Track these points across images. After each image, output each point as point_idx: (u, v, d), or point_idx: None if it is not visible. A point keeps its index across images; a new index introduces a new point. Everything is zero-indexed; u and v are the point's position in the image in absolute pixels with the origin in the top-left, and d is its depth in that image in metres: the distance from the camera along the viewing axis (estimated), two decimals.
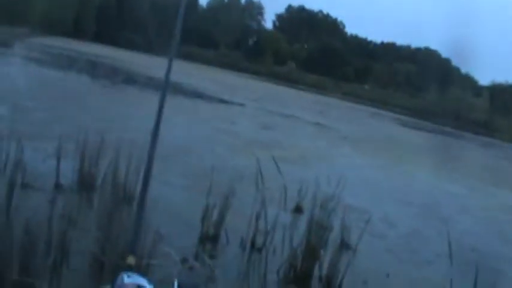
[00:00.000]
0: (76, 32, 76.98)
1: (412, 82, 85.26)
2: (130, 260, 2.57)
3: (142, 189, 2.77)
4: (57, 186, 6.54)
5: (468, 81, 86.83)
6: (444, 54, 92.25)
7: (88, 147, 6.84)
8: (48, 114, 11.78)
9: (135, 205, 5.99)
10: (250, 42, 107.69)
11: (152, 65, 45.34)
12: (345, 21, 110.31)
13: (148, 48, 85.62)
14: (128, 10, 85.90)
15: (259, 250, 5.94)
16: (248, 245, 6.00)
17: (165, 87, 2.92)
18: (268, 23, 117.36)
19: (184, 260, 5.05)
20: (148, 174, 2.75)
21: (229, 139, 14.04)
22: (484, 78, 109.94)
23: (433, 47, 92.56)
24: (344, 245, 6.45)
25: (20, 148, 6.17)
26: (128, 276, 2.30)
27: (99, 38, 79.24)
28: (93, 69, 30.38)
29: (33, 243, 3.88)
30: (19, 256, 3.83)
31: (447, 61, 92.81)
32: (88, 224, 5.31)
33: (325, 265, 5.42)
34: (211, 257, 5.53)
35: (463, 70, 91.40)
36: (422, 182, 14.75)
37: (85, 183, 6.76)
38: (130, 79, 28.47)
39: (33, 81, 18.59)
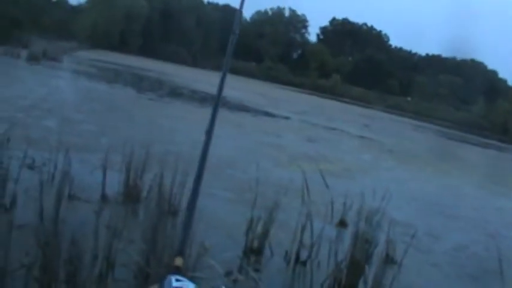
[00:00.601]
0: (122, 45, 78.37)
1: (457, 94, 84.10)
2: (179, 261, 2.56)
3: (194, 187, 2.75)
4: (104, 197, 6.62)
5: None
6: (490, 65, 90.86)
7: (134, 159, 6.92)
8: (95, 126, 11.96)
9: (180, 217, 6.03)
10: (295, 55, 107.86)
11: (196, 78, 45.79)
12: (389, 34, 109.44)
13: (192, 61, 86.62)
14: (173, 24, 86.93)
15: (304, 263, 5.90)
16: (292, 258, 5.97)
17: (217, 103, 2.92)
18: (312, 35, 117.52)
19: (228, 273, 5.05)
20: (200, 176, 2.75)
21: (274, 152, 14.04)
22: None
23: (478, 59, 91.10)
24: (389, 260, 6.36)
25: (67, 160, 6.26)
26: (177, 280, 2.28)
27: (144, 51, 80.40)
28: (139, 82, 30.77)
29: (79, 254, 3.92)
30: (66, 267, 3.88)
31: (493, 73, 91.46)
32: (133, 236, 5.35)
33: (370, 279, 5.34)
34: (256, 270, 5.51)
35: (510, 82, 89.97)
36: (469, 195, 14.52)
37: (131, 195, 6.82)
38: (175, 92, 28.74)
39: (81, 94, 18.92)
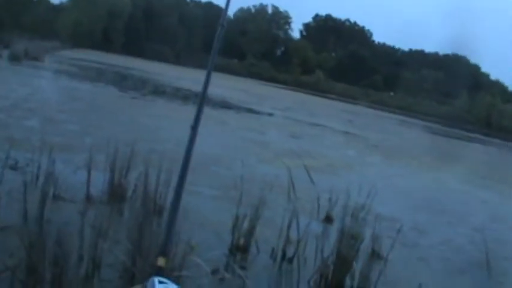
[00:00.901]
0: (105, 44, 78.06)
1: (441, 89, 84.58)
2: (161, 261, 2.54)
3: (178, 186, 2.74)
4: (88, 197, 6.58)
5: (498, 87, 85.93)
6: (473, 60, 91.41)
7: (118, 158, 6.88)
8: (78, 126, 11.89)
9: (165, 216, 6.01)
10: (278, 51, 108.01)
11: (180, 76, 45.70)
12: (372, 30, 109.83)
13: (175, 59, 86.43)
14: (155, 22, 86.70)
15: (290, 260, 5.90)
16: (279, 255, 5.97)
17: (201, 101, 2.91)
18: (295, 32, 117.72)
19: (215, 271, 5.04)
20: (184, 173, 2.73)
21: (258, 149, 14.04)
22: None
23: (461, 53, 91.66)
24: (375, 255, 6.38)
25: (51, 160, 6.22)
26: (160, 282, 2.26)
27: (127, 50, 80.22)
28: (122, 80, 30.66)
29: (65, 255, 3.90)
30: (51, 267, 3.85)
31: (476, 67, 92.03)
32: (119, 236, 5.32)
33: (357, 275, 5.36)
34: (242, 267, 5.50)
35: (493, 76, 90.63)
36: (453, 189, 14.60)
37: (115, 195, 6.79)
38: (158, 90, 28.66)
39: (63, 93, 18.81)
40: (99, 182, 6.80)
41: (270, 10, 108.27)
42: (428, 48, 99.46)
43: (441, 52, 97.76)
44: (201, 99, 2.87)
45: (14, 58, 28.27)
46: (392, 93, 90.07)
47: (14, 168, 7.19)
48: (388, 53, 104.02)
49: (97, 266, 4.52)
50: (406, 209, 10.28)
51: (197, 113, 2.81)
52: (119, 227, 5.68)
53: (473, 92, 74.84)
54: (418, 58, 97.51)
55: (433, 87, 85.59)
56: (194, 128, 2.77)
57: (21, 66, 26.26)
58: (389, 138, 29.09)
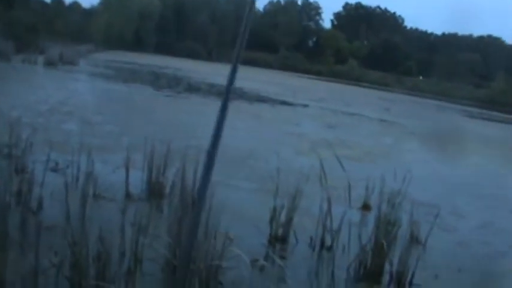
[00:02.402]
0: (137, 45, 78.70)
1: (477, 72, 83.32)
2: None
3: (202, 186, 2.81)
4: (128, 195, 6.71)
5: None
6: (508, 40, 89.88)
7: (155, 156, 7.00)
8: (115, 126, 12.08)
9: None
10: (310, 43, 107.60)
11: (213, 72, 45.87)
12: (404, 15, 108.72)
13: (208, 56, 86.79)
14: (186, 20, 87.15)
15: (329, 249, 5.95)
16: (317, 244, 6.01)
17: (227, 95, 2.97)
18: (327, 22, 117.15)
19: (254, 261, 5.10)
20: (209, 170, 2.80)
21: (294, 140, 14.07)
22: None
23: (496, 34, 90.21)
24: (414, 240, 6.37)
25: (90, 161, 6.36)
26: None
27: (159, 49, 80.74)
28: (156, 80, 30.91)
29: (107, 251, 4.01)
30: (95, 263, 3.97)
31: None
32: (159, 231, 5.43)
33: (395, 261, 5.37)
34: (281, 257, 5.56)
35: None
36: (492, 173, 14.44)
37: (154, 192, 6.91)
38: (192, 87, 28.83)
39: (99, 95, 19.09)
40: (137, 180, 6.93)
41: (299, 1, 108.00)
42: (462, 31, 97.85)
43: (475, 34, 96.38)
44: (226, 95, 2.93)
45: (50, 63, 28.75)
46: (421, 77, 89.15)
47: (54, 170, 7.37)
48: (421, 38, 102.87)
49: (139, 260, 4.63)
50: (444, 194, 10.22)
51: (222, 106, 2.86)
52: (158, 223, 5.79)
53: (510, 74, 73.58)
54: (452, 42, 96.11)
55: (469, 71, 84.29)
56: (219, 124, 2.82)
57: (57, 71, 26.70)
58: (426, 124, 28.80)
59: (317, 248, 5.97)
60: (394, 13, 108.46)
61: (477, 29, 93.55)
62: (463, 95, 72.43)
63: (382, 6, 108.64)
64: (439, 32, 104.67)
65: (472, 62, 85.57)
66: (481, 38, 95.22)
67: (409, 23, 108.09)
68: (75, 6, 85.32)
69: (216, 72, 45.54)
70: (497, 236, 7.91)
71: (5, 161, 7.15)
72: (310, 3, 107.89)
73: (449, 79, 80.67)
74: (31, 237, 4.81)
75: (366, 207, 7.79)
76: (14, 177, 6.03)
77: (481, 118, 41.13)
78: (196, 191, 2.87)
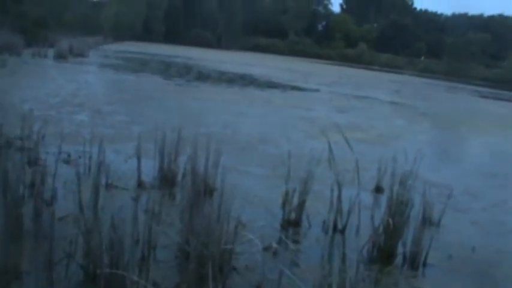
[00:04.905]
0: (146, 34, 78.88)
1: (488, 52, 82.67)
2: None
3: None
4: (140, 184, 6.74)
5: None
6: None
7: (167, 144, 7.02)
8: (126, 116, 12.10)
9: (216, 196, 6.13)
10: (319, 27, 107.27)
11: (222, 59, 45.84)
12: None
13: (217, 43, 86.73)
14: (194, 8, 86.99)
15: (342, 231, 5.95)
16: (330, 227, 6.01)
17: None
18: (335, 6, 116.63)
19: (267, 246, 5.12)
20: None
21: (305, 125, 14.06)
22: None
23: (507, 13, 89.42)
24: (427, 221, 6.36)
25: (102, 151, 6.38)
26: None
27: (169, 38, 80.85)
28: (166, 69, 30.92)
29: (121, 239, 4.03)
30: (109, 251, 3.99)
31: None
32: (172, 218, 5.46)
33: (409, 242, 5.36)
34: (295, 241, 5.57)
35: None
36: (505, 153, 14.36)
37: (166, 180, 6.93)
38: (202, 75, 28.83)
39: (109, 86, 19.14)
40: (149, 169, 6.95)
41: None
42: (472, 11, 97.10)
43: (486, 14, 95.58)
44: None
45: (60, 56, 28.80)
46: (423, 58, 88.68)
47: (66, 161, 7.40)
48: (431, 19, 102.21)
49: (152, 247, 4.66)
50: (457, 174, 10.19)
51: None
52: (171, 210, 5.82)
53: None
54: (462, 22, 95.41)
55: (480, 51, 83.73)
56: None
57: (67, 63, 26.75)
58: (438, 105, 28.69)
59: (330, 231, 5.97)
60: None
61: (488, 8, 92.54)
62: (474, 75, 72.03)
63: None
64: (449, 13, 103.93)
65: (482, 42, 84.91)
66: (491, 17, 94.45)
67: (418, 5, 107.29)
68: None
69: (225, 60, 45.52)
70: (510, 215, 7.88)
71: (18, 153, 7.20)
72: None
73: (460, 60, 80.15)
74: (45, 228, 4.86)
75: (378, 189, 7.78)
76: (27, 169, 6.06)
77: (492, 98, 40.87)
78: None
